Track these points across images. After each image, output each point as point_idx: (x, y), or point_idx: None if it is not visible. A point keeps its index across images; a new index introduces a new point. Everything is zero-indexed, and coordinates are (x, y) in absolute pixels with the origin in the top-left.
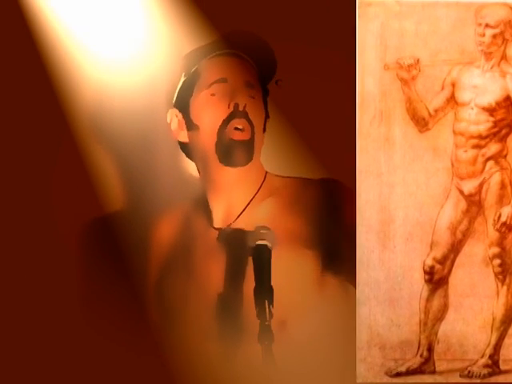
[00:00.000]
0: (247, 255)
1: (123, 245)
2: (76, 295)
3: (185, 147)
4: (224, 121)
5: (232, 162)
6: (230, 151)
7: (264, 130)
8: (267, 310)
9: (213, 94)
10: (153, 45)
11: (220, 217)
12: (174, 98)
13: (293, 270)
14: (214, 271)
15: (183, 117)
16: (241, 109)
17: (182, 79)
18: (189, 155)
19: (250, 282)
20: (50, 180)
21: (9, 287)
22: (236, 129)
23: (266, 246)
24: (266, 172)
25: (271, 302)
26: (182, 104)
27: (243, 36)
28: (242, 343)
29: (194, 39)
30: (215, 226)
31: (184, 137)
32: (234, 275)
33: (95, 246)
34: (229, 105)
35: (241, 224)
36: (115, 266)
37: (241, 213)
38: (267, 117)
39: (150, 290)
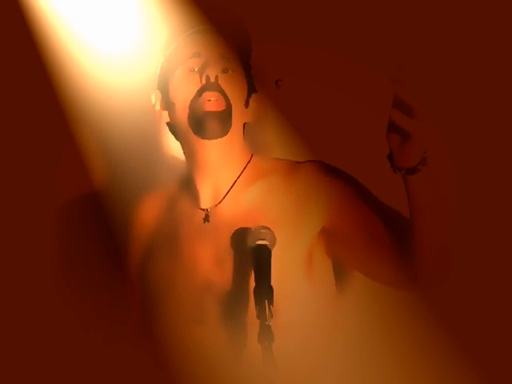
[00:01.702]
0: (247, 255)
1: (106, 225)
2: (55, 276)
3: (170, 127)
4: (196, 94)
5: (206, 134)
6: (203, 122)
7: (247, 105)
8: (267, 309)
9: (187, 70)
10: (152, 43)
11: (207, 198)
12: (157, 80)
13: (283, 255)
14: (200, 252)
15: (163, 97)
16: (212, 80)
17: (161, 60)
18: (175, 135)
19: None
20: (35, 156)
21: None
22: (209, 101)
23: (265, 245)
24: (252, 154)
25: (271, 302)
26: (162, 84)
27: (217, 11)
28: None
29: None
30: (202, 207)
31: (166, 117)
32: (233, 274)
33: (76, 225)
34: (201, 78)
35: (228, 206)
36: (97, 245)
37: (226, 193)
38: (252, 91)
39: (134, 271)
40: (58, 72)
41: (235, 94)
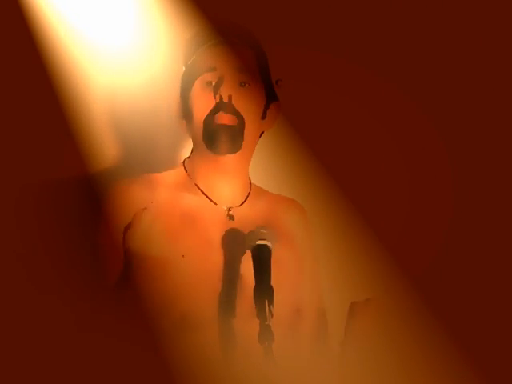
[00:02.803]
0: (247, 255)
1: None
2: (48, 256)
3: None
4: (210, 111)
5: (218, 148)
6: (215, 135)
7: (264, 116)
8: (267, 309)
9: (204, 84)
10: (155, 43)
11: (223, 198)
12: (179, 89)
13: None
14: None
15: (183, 107)
16: (226, 100)
17: (183, 70)
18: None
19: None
20: (35, 157)
21: None
22: (221, 118)
23: (266, 245)
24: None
25: (271, 302)
26: (183, 95)
27: (232, 25)
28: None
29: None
30: (221, 206)
31: (184, 126)
32: (233, 274)
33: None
34: (215, 96)
35: (247, 208)
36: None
37: (247, 196)
38: (272, 101)
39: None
40: (58, 72)
41: (250, 108)
